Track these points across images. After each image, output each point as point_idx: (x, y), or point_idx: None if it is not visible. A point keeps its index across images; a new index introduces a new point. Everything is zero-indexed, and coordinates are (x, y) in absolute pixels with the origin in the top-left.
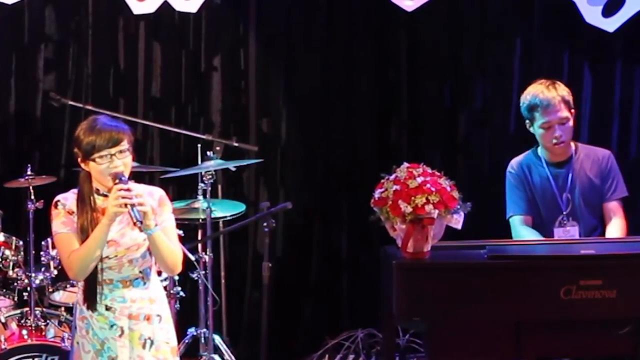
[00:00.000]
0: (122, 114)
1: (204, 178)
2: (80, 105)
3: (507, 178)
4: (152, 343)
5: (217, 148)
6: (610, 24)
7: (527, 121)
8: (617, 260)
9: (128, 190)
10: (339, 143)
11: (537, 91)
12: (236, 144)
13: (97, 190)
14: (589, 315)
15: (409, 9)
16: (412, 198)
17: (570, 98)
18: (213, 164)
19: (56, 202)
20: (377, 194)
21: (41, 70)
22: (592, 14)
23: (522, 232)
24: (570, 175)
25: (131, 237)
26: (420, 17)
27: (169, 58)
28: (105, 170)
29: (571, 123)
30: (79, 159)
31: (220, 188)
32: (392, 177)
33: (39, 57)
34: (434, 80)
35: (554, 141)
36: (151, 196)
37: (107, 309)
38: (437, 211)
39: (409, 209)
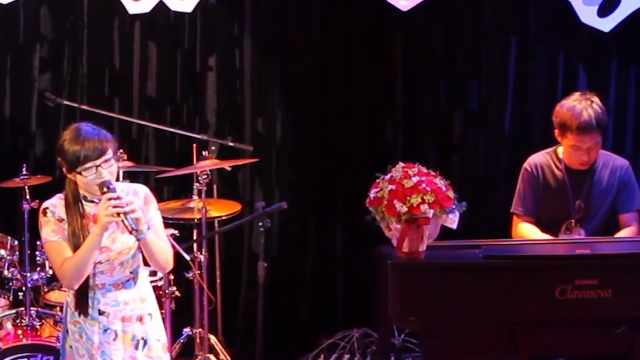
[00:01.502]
0: (117, 114)
1: (199, 178)
2: (76, 105)
3: (522, 172)
4: (145, 343)
5: (213, 148)
6: (606, 24)
7: (557, 131)
8: (612, 260)
9: (118, 198)
10: (334, 143)
11: (575, 111)
12: (231, 144)
13: (85, 197)
14: (584, 315)
15: (404, 9)
16: (408, 198)
17: (605, 119)
18: (208, 164)
19: (44, 210)
20: (372, 194)
21: (36, 69)
22: (587, 14)
23: (524, 226)
24: (587, 183)
25: (122, 242)
26: (416, 17)
27: (164, 58)
28: (91, 181)
29: (600, 144)
30: (64, 169)
31: (215, 188)
32: (388, 176)
33: (34, 57)
34: (430, 80)
35: (580, 163)
36: (136, 195)
37: (101, 313)
38: (432, 211)
39: (404, 209)
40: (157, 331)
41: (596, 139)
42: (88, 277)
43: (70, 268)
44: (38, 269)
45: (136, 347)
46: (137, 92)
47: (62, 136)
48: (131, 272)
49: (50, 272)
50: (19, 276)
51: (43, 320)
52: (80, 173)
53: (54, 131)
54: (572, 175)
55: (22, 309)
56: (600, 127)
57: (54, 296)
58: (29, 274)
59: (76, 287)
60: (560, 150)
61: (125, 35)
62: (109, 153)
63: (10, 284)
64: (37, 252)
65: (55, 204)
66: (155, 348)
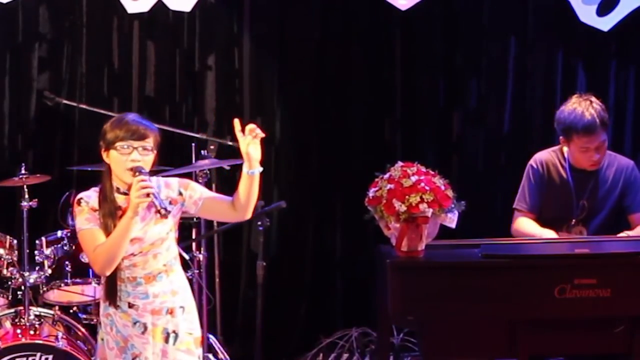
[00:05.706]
0: (116, 113)
1: (199, 177)
2: (75, 104)
3: (527, 169)
4: (176, 336)
5: (212, 147)
6: (605, 23)
7: (562, 138)
8: (611, 259)
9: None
10: (333, 142)
11: (577, 114)
12: (230, 143)
13: (118, 189)
14: (583, 314)
15: (403, 8)
16: (407, 197)
17: (606, 116)
18: (207, 163)
19: (79, 200)
20: (371, 193)
21: (35, 69)
22: (586, 13)
23: (523, 221)
24: (591, 183)
25: (154, 232)
26: (415, 16)
27: (163, 57)
28: (123, 160)
29: (606, 141)
30: (102, 150)
31: (214, 187)
32: (387, 176)
33: (33, 56)
34: (429, 79)
35: (591, 163)
36: (169, 187)
37: (130, 306)
38: (431, 210)
39: (403, 208)
40: (189, 324)
41: (602, 137)
42: (117, 268)
43: (103, 253)
44: (37, 268)
45: (166, 341)
46: (136, 91)
47: (106, 123)
48: (164, 265)
49: (49, 271)
50: (17, 275)
51: (42, 320)
52: (115, 148)
53: (53, 130)
54: (577, 174)
55: (21, 308)
56: (604, 125)
57: (53, 295)
58: (27, 273)
59: (108, 273)
60: (566, 149)
61: (124, 35)
62: (149, 142)
63: (9, 283)
64: (36, 252)
65: (90, 195)
66: (186, 341)
